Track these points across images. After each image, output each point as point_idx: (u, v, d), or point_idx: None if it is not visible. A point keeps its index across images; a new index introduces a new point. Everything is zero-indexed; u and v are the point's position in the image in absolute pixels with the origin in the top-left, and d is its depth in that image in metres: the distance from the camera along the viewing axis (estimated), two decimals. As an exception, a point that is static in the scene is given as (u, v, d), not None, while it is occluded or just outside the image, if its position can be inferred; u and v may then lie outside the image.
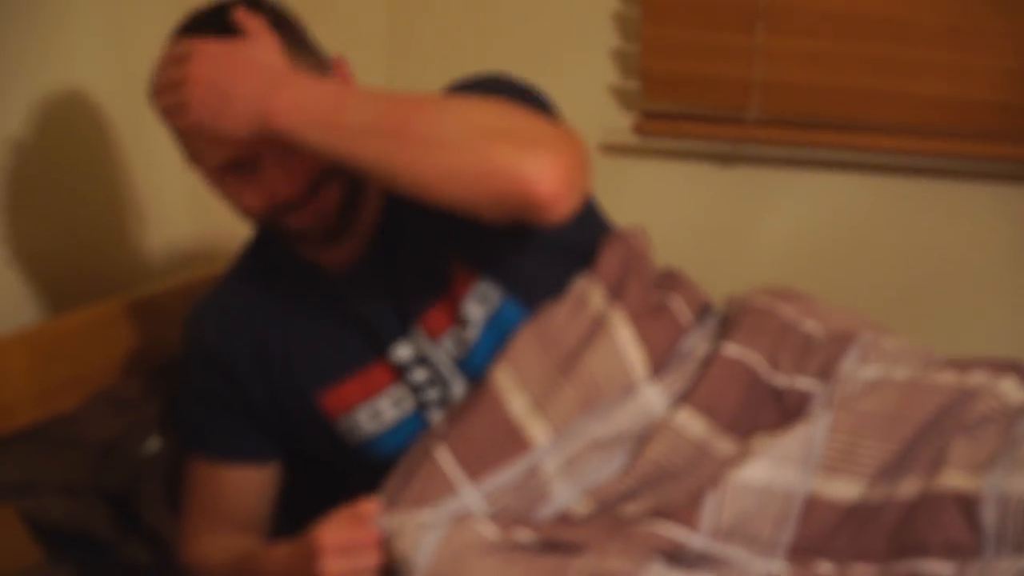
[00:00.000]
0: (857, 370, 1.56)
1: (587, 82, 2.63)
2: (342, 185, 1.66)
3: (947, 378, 1.53)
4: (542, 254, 1.64)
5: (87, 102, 1.92)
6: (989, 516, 1.44)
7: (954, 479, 1.46)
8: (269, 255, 1.74)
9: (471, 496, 1.47)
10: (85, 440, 1.82)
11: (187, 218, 2.11)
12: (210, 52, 1.54)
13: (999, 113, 2.39)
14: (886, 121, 2.48)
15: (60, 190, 1.97)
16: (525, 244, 1.64)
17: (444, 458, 1.51)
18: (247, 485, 1.79)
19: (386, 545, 1.46)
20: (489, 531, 1.41)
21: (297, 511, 1.63)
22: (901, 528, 1.48)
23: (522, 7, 2.71)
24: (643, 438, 1.54)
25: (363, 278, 1.71)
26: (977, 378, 1.54)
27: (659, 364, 1.61)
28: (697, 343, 1.63)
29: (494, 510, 1.48)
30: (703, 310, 1.71)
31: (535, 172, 1.52)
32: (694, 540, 1.46)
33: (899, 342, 1.67)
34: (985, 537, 1.43)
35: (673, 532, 1.45)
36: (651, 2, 2.55)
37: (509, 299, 1.64)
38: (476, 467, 1.50)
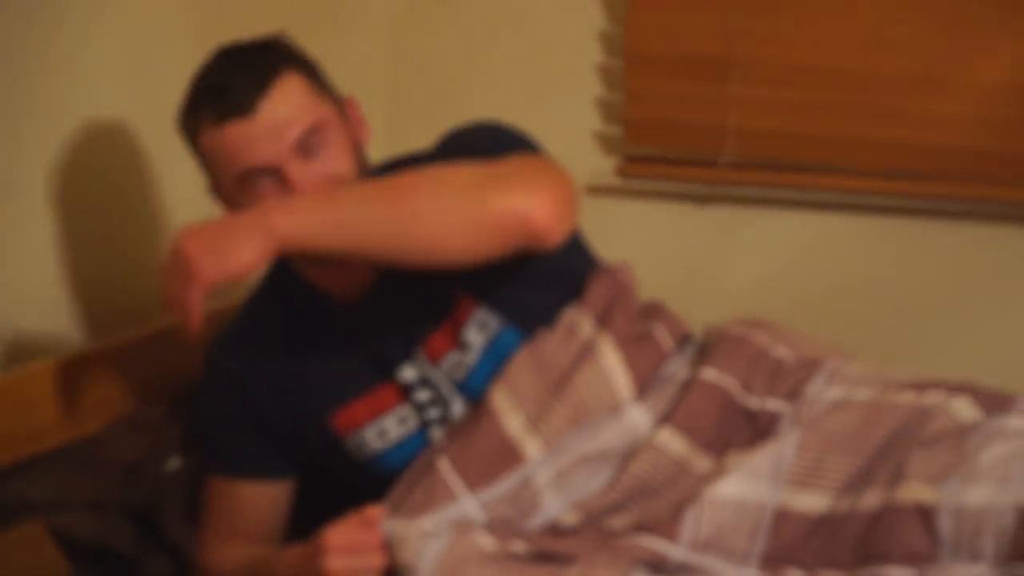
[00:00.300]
0: (822, 392, 1.68)
1: (574, 128, 2.71)
2: None
3: (905, 398, 1.63)
4: (536, 282, 1.75)
5: (113, 133, 2.02)
6: (946, 526, 1.53)
7: (913, 492, 1.55)
8: (284, 287, 1.85)
9: (469, 504, 1.57)
10: (110, 460, 1.91)
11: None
12: (192, 227, 1.62)
13: (964, 157, 2.50)
14: (855, 164, 2.58)
15: (84, 226, 2.06)
16: (520, 273, 1.73)
17: (445, 469, 1.62)
18: (262, 499, 1.88)
19: (391, 551, 1.56)
20: (487, 542, 1.52)
21: (309, 523, 1.71)
22: (865, 538, 1.57)
23: (516, 60, 2.81)
24: (628, 455, 1.64)
25: (371, 307, 1.81)
26: (933, 398, 1.65)
27: (643, 387, 1.71)
28: (678, 368, 1.74)
29: (489, 518, 1.59)
30: (684, 339, 1.82)
31: (529, 206, 1.64)
32: (675, 552, 1.56)
33: (863, 367, 1.78)
34: (942, 545, 1.53)
35: (655, 544, 1.55)
36: (633, 55, 2.64)
37: (508, 327, 1.74)
38: (475, 478, 1.61)
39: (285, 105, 1.72)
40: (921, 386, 1.76)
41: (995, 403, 1.74)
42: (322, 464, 1.84)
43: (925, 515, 1.56)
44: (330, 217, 1.66)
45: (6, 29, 1.93)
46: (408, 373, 1.77)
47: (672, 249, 2.60)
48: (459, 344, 1.76)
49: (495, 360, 1.71)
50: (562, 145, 2.02)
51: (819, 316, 2.53)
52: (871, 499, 1.58)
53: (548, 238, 1.66)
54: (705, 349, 1.78)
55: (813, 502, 1.60)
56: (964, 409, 1.67)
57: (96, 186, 2.06)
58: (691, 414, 1.68)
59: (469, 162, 1.74)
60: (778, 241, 2.60)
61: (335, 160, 1.79)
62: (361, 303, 1.80)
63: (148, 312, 2.11)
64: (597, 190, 2.68)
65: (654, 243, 2.58)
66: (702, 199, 2.70)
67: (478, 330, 1.76)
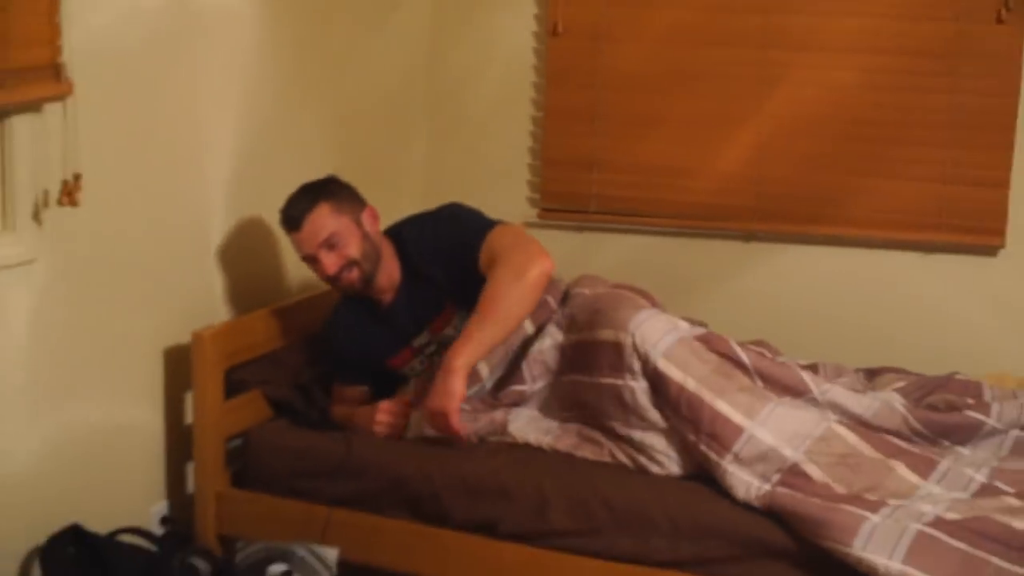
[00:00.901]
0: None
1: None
2: (360, 270, 2.97)
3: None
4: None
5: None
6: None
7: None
8: (356, 297, 3.07)
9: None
10: (288, 362, 3.17)
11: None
12: (433, 392, 2.78)
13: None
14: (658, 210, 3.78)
15: (234, 237, 3.25)
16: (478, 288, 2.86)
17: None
18: (357, 393, 3.16)
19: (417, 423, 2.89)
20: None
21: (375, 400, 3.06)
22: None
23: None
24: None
25: (397, 307, 3.05)
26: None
27: (536, 321, 2.97)
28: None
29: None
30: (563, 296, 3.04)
31: (542, 267, 2.85)
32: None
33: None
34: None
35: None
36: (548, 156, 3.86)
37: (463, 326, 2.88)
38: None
39: (314, 224, 2.92)
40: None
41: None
42: (381, 377, 3.12)
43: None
44: (475, 346, 2.80)
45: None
46: (420, 340, 3.07)
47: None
48: (451, 327, 3.01)
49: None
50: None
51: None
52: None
53: (551, 272, 2.88)
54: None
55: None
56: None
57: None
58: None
59: (494, 261, 2.83)
60: (619, 252, 3.91)
61: (347, 250, 2.95)
62: (392, 305, 3.07)
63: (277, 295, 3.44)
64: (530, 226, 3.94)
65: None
66: (580, 228, 4.03)
67: (457, 324, 3.01)
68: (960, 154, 3.60)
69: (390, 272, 3.05)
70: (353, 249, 2.97)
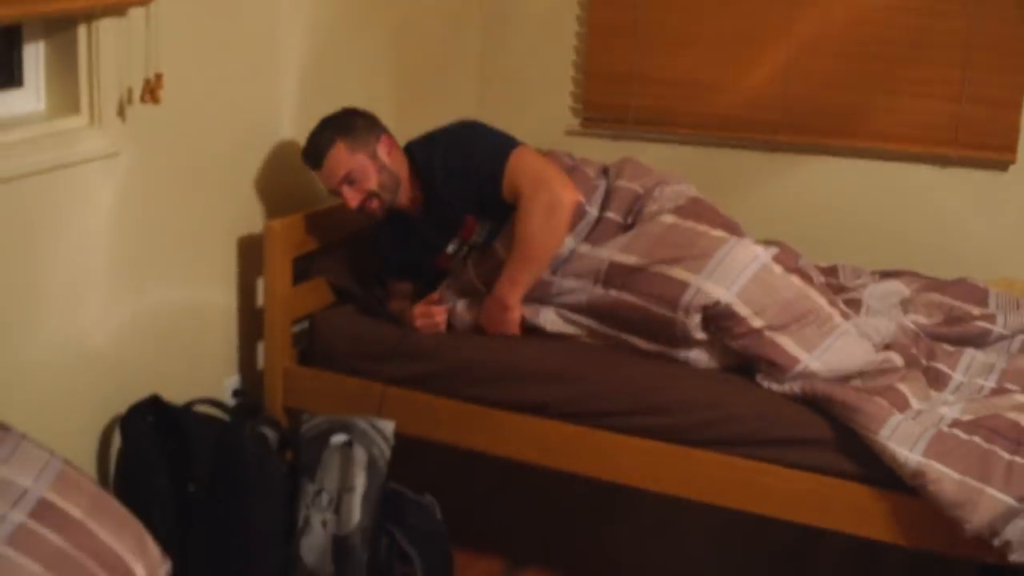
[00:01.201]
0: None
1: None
2: (379, 201, 3.10)
3: None
4: (504, 209, 3.04)
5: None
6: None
7: None
8: (392, 210, 3.19)
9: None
10: (346, 257, 3.40)
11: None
12: (486, 310, 3.03)
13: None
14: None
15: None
16: (500, 205, 3.03)
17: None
18: (406, 288, 3.31)
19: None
20: None
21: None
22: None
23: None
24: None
25: (424, 221, 3.19)
26: None
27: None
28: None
29: None
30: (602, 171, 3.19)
31: (568, 200, 2.99)
32: None
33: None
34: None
35: None
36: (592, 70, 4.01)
37: (489, 230, 3.09)
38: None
39: (331, 164, 3.06)
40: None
41: None
42: (429, 272, 3.23)
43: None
44: (521, 287, 3.01)
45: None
46: (451, 248, 3.19)
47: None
48: (476, 235, 3.14)
49: (487, 241, 3.11)
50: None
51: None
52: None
53: (576, 202, 3.00)
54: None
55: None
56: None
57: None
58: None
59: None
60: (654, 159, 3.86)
61: (365, 184, 3.07)
62: (420, 220, 3.21)
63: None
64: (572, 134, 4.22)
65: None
66: (618, 137, 4.18)
67: (481, 232, 3.14)
68: (976, 75, 3.73)
69: (411, 193, 3.20)
70: (371, 183, 3.10)
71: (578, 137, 4.14)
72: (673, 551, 3.45)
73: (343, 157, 3.06)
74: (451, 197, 3.13)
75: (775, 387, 2.80)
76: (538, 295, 3.06)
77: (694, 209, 3.06)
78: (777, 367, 2.80)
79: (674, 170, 3.40)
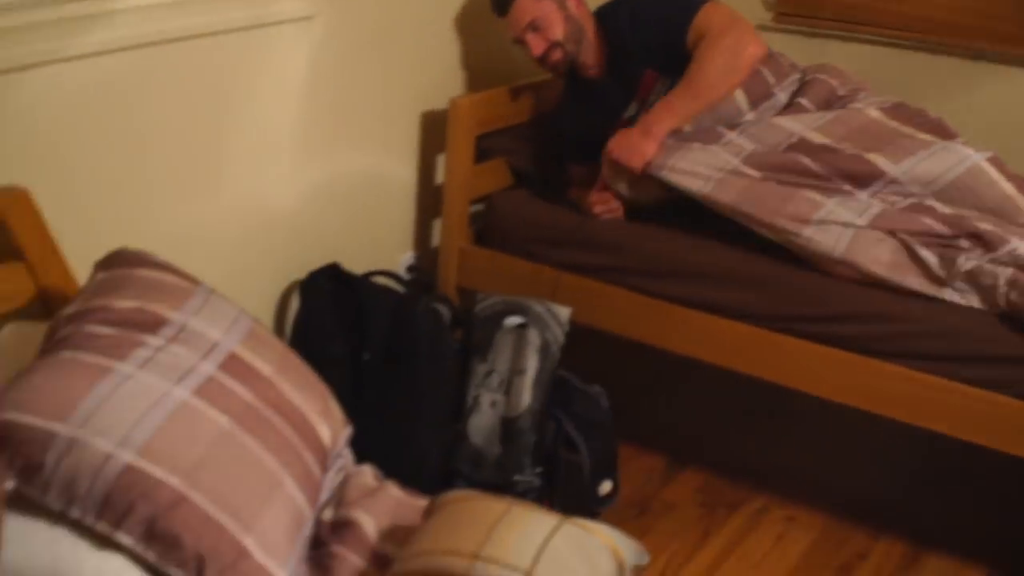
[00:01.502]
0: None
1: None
2: (563, 51, 3.09)
3: None
4: (681, 63, 2.97)
5: None
6: None
7: None
8: (575, 74, 3.22)
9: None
10: (517, 143, 3.38)
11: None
12: (617, 137, 2.93)
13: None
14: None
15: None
16: (678, 59, 2.96)
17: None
18: (584, 172, 3.22)
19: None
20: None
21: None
22: None
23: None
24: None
25: (605, 83, 3.16)
26: None
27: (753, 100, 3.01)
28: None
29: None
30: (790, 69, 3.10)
31: (754, 51, 2.93)
32: None
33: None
34: None
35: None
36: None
37: (668, 84, 3.01)
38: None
39: (519, 10, 3.05)
40: None
41: None
42: (597, 152, 3.09)
43: None
44: (675, 116, 2.93)
45: None
46: (629, 112, 3.13)
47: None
48: (654, 94, 3.06)
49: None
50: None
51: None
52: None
53: (762, 55, 2.95)
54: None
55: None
56: None
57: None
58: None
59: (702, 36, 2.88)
60: (847, 59, 3.82)
61: (550, 32, 3.06)
62: (601, 82, 3.19)
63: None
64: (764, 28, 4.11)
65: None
66: (812, 34, 4.08)
67: (660, 90, 3.09)
68: None
69: (595, 50, 3.15)
70: (556, 32, 3.08)
71: (770, 32, 3.98)
72: (840, 462, 3.40)
73: (529, 3, 3.05)
74: (635, 46, 3.08)
75: (986, 265, 2.64)
76: (704, 139, 2.96)
77: (900, 111, 2.96)
78: (984, 242, 2.67)
79: (870, 73, 3.31)
